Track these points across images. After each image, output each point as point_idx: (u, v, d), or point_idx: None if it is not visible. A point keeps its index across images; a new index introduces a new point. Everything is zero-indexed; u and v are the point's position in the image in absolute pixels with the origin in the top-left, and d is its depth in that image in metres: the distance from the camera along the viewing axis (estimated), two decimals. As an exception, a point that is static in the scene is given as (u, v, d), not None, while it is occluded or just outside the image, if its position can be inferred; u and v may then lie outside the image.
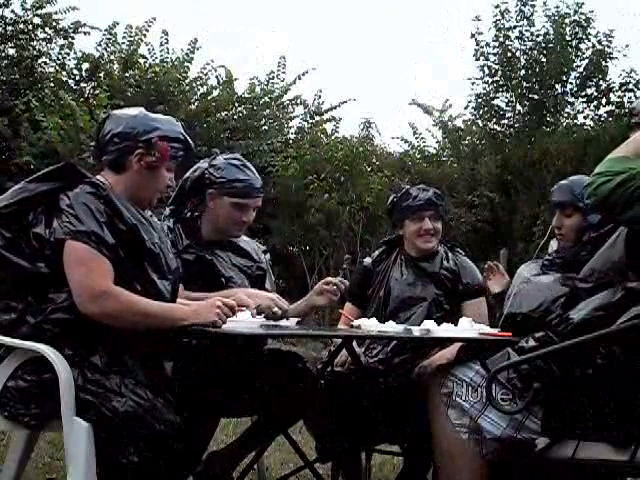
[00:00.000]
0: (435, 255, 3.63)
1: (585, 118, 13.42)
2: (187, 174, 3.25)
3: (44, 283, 2.50)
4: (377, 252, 3.78)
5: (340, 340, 3.11)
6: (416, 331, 2.88)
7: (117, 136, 2.65)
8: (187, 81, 12.34)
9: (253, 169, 3.24)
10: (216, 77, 12.67)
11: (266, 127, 12.70)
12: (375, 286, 3.62)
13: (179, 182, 3.26)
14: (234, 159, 3.23)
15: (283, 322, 2.88)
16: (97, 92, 11.07)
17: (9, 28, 11.48)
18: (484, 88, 13.29)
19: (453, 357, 2.86)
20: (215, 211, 3.18)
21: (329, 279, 3.26)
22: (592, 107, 13.30)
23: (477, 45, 13.10)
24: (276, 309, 2.90)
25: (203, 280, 3.10)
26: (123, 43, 12.47)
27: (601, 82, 13.03)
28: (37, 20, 11.65)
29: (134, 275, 2.57)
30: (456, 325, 2.96)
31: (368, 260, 3.75)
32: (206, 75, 12.53)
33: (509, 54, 12.97)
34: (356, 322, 3.11)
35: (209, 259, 3.17)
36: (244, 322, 2.69)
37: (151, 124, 2.68)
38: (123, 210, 2.58)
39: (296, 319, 2.95)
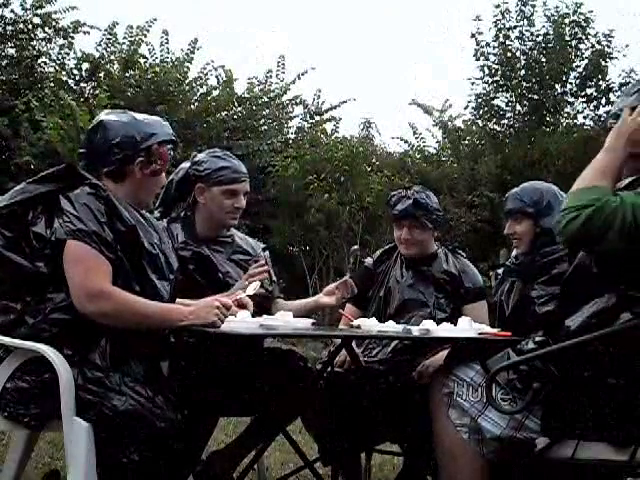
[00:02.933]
0: (434, 258, 3.62)
1: (585, 118, 13.44)
2: (171, 176, 3.27)
3: (43, 283, 2.50)
4: (378, 252, 3.78)
5: (340, 340, 3.11)
6: (415, 331, 2.88)
7: (116, 147, 2.64)
8: (187, 81, 12.34)
9: (234, 157, 3.29)
10: (216, 77, 12.69)
11: (266, 127, 12.70)
12: (376, 286, 3.63)
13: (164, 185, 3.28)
14: (214, 152, 3.29)
15: (298, 322, 2.87)
16: (97, 92, 11.09)
17: (9, 28, 11.48)
18: (484, 88, 13.31)
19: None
20: (206, 204, 3.21)
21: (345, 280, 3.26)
22: (592, 107, 13.31)
23: (477, 45, 13.11)
24: (258, 277, 2.97)
25: (201, 276, 3.12)
26: (123, 43, 12.47)
27: (601, 82, 13.03)
28: (37, 20, 11.66)
29: (133, 275, 2.57)
30: (455, 325, 2.96)
31: (369, 260, 3.75)
32: (206, 75, 12.54)
33: (509, 54, 12.97)
34: (356, 322, 3.11)
35: (206, 255, 3.18)
36: (243, 322, 2.69)
37: (147, 130, 2.69)
38: (122, 211, 2.58)
39: (311, 320, 2.95)
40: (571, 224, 2.30)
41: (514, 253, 3.47)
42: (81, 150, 2.77)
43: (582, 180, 2.42)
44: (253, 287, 2.88)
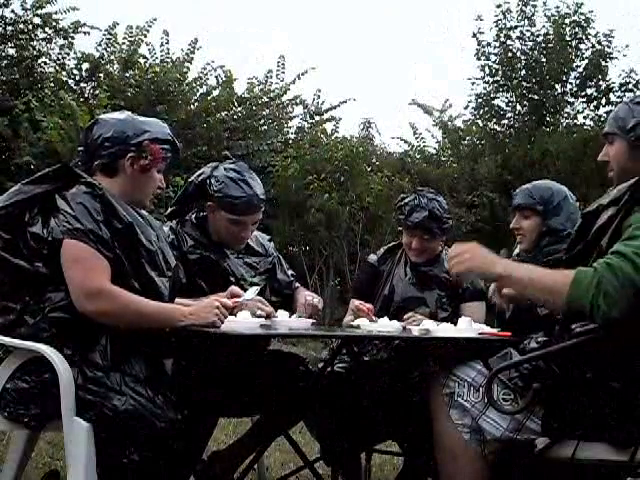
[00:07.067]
0: (437, 258, 3.63)
1: (585, 118, 13.43)
2: (192, 178, 3.25)
3: (42, 283, 2.50)
4: (382, 250, 3.79)
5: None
6: (415, 331, 2.88)
7: (108, 140, 2.65)
8: (187, 81, 12.33)
9: (252, 182, 3.16)
10: (216, 77, 12.68)
11: (266, 127, 12.69)
12: (380, 284, 3.64)
13: (184, 184, 3.26)
14: (234, 171, 3.17)
15: (297, 323, 2.87)
16: (97, 92, 11.07)
17: (9, 28, 11.46)
18: (484, 88, 13.30)
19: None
20: (214, 222, 3.19)
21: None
22: (592, 107, 13.30)
23: (479, 45, 13.11)
24: (259, 312, 2.90)
25: (212, 279, 3.10)
26: (123, 43, 12.46)
27: (601, 82, 13.02)
28: (37, 20, 11.63)
29: (132, 273, 2.57)
30: (455, 325, 2.96)
31: (374, 257, 3.75)
32: (206, 75, 12.53)
33: (510, 54, 12.97)
34: (356, 322, 3.11)
35: (215, 259, 3.17)
36: (243, 322, 2.69)
37: (141, 127, 2.70)
38: (119, 209, 2.58)
39: (311, 320, 2.95)
40: (608, 310, 2.18)
41: (516, 251, 3.46)
42: (79, 148, 2.78)
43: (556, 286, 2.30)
44: (252, 291, 2.88)
